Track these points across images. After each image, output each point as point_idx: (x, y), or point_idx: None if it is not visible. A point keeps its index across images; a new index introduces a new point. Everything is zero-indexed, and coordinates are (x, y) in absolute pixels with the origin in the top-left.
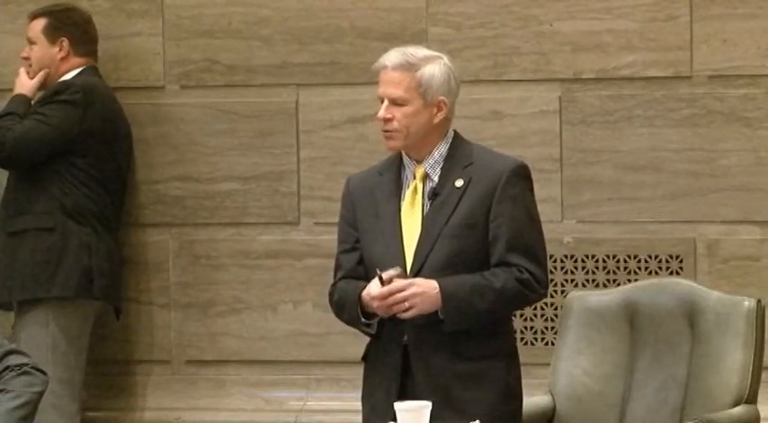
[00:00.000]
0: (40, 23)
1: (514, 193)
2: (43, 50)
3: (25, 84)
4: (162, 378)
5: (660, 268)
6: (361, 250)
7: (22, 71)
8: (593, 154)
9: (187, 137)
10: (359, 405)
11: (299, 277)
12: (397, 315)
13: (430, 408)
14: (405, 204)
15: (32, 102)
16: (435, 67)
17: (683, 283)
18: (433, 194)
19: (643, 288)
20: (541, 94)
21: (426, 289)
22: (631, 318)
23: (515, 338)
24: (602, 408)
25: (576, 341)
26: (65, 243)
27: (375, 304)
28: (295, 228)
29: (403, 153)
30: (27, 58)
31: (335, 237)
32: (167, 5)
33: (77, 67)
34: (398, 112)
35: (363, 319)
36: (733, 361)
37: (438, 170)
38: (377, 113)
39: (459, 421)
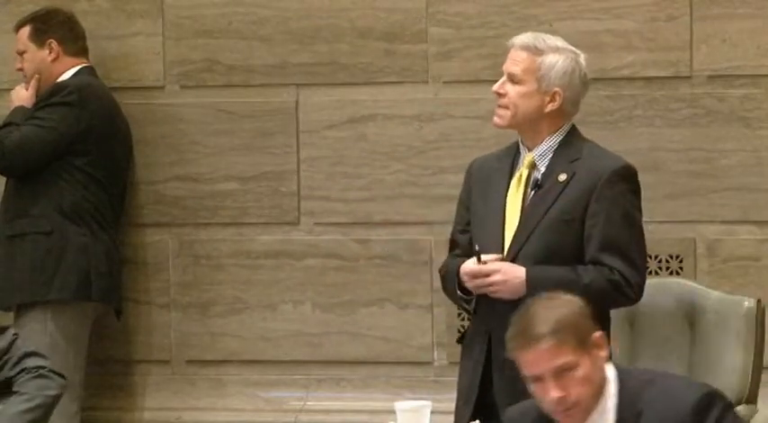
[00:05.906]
0: (25, 31)
1: (613, 193)
2: (34, 56)
3: (22, 95)
4: (162, 378)
5: (660, 268)
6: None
7: (19, 87)
8: None
9: (187, 137)
10: (359, 405)
11: (299, 277)
12: (488, 294)
13: (430, 408)
14: (510, 191)
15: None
16: (560, 58)
17: (683, 283)
18: (536, 185)
19: None
20: None
21: (510, 278)
22: (631, 318)
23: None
24: None
25: None
26: (63, 246)
27: (465, 279)
28: (295, 228)
29: (519, 140)
30: (21, 70)
31: (335, 237)
32: (167, 5)
33: (71, 67)
34: (512, 90)
35: (461, 294)
36: (733, 361)
37: (546, 161)
38: (376, 113)
39: None
